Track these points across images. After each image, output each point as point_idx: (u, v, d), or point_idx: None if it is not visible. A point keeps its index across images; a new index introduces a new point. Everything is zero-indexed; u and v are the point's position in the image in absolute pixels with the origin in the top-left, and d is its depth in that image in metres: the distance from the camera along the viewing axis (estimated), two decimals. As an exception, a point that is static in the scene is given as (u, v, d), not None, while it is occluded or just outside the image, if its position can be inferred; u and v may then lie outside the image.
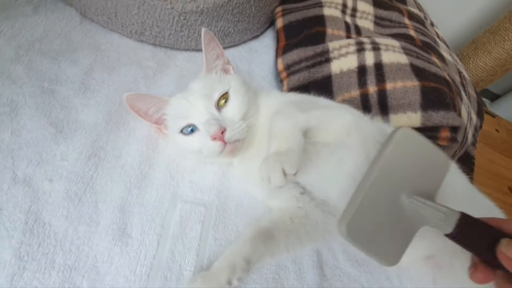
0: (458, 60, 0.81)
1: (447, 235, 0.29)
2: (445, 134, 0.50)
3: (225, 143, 0.39)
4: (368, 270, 0.50)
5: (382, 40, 0.59)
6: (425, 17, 0.91)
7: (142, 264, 0.37)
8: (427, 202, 0.31)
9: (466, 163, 0.77)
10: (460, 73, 0.74)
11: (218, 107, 0.42)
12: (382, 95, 0.53)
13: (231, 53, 0.71)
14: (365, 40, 0.59)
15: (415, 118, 0.50)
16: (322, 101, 0.47)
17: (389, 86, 0.53)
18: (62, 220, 0.36)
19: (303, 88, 0.61)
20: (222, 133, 0.39)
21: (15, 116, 0.41)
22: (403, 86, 0.52)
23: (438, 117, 0.48)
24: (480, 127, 0.79)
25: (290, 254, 0.44)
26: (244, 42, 0.75)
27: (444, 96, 0.49)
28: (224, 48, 0.70)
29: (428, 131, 0.51)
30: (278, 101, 0.45)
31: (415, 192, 0.32)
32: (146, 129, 0.48)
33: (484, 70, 0.96)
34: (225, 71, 0.48)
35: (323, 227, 0.47)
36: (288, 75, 0.63)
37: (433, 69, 0.56)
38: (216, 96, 0.42)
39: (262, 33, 0.81)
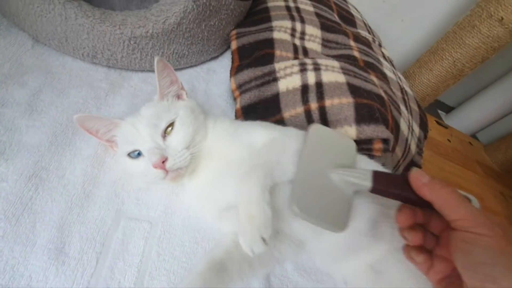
0: (401, 78, 0.88)
1: (370, 191, 0.35)
2: (378, 145, 0.54)
3: (167, 171, 0.41)
4: (316, 278, 0.52)
5: (323, 61, 0.64)
6: (373, 39, 1.00)
7: (78, 283, 0.37)
8: (346, 170, 0.38)
9: (413, 172, 0.82)
10: (402, 89, 0.81)
11: (165, 134, 0.44)
12: (322, 111, 0.58)
13: (189, 73, 0.74)
14: (307, 61, 0.64)
15: (351, 131, 0.55)
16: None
17: (327, 103, 0.57)
18: (-4, 241, 0.36)
19: (254, 105, 0.64)
20: (164, 162, 0.41)
21: (-47, 139, 0.41)
22: (339, 102, 0.56)
23: (369, 130, 0.53)
24: (425, 138, 0.86)
25: (243, 282, 0.45)
26: (203, 62, 0.79)
27: (374, 111, 0.54)
28: (182, 69, 0.74)
29: (364, 143, 0.55)
30: (224, 132, 0.48)
31: (337, 167, 0.39)
32: (93, 148, 0.49)
33: (428, 86, 1.05)
34: (179, 96, 0.51)
35: (277, 251, 0.49)
36: (240, 93, 0.67)
37: (369, 87, 0.62)
38: (163, 125, 0.44)
39: (221, 53, 0.85)
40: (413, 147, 0.78)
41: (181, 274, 0.43)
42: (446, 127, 1.40)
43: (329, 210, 0.38)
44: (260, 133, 0.46)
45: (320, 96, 0.58)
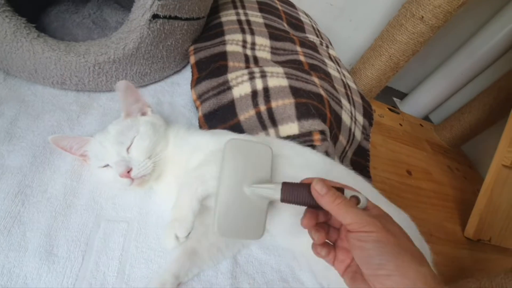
0: (346, 74, 1.00)
1: (282, 201, 0.39)
2: (317, 136, 0.64)
3: (132, 179, 0.49)
4: (277, 253, 0.62)
5: (269, 69, 0.74)
6: (320, 42, 1.11)
7: (68, 276, 0.44)
8: (259, 185, 0.42)
9: (362, 155, 0.94)
10: (345, 85, 0.93)
11: (129, 149, 0.51)
12: (270, 112, 0.67)
13: (154, 88, 0.82)
14: (255, 70, 0.74)
15: (294, 127, 0.65)
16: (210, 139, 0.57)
17: (273, 104, 0.67)
18: (-8, 250, 0.43)
19: (214, 112, 0.73)
20: (129, 172, 0.48)
21: None
22: (283, 103, 0.66)
23: (308, 124, 0.63)
24: (370, 125, 0.98)
25: (214, 263, 0.54)
26: (166, 77, 0.87)
27: (310, 109, 0.64)
28: (146, 85, 0.81)
29: (306, 135, 0.65)
30: (182, 141, 0.56)
31: (253, 182, 0.42)
32: (70, 164, 0.56)
33: (372, 79, 1.18)
34: (143, 113, 0.58)
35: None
36: (201, 103, 0.75)
37: (309, 87, 0.72)
38: (127, 142, 0.51)
39: (183, 67, 0.93)
40: (358, 134, 0.89)
41: (158, 262, 0.51)
42: (398, 113, 1.56)
43: (247, 224, 0.42)
44: (206, 141, 0.55)
45: (267, 99, 0.68)
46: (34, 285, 0.42)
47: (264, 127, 0.69)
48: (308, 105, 0.65)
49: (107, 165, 0.50)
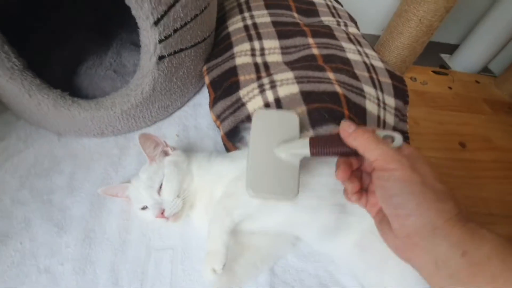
0: (370, 54, 0.92)
1: (311, 155, 0.40)
2: (336, 140, 0.62)
3: (167, 218, 0.56)
4: (314, 259, 0.64)
5: (279, 76, 0.73)
6: (338, 22, 1.04)
7: (132, 304, 0.54)
8: (287, 143, 0.44)
9: (400, 139, 0.87)
10: (369, 67, 0.86)
11: (159, 190, 0.58)
12: (285, 123, 0.67)
13: (178, 116, 0.88)
14: (265, 81, 0.74)
15: (310, 135, 0.64)
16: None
17: (287, 115, 0.67)
18: (74, 289, 0.54)
19: (234, 129, 0.76)
20: (163, 213, 0.55)
21: (30, 228, 0.60)
22: (295, 113, 0.65)
23: (322, 131, 0.62)
24: (405, 103, 0.89)
25: (251, 279, 0.58)
26: (188, 101, 0.92)
27: (323, 114, 0.62)
28: (171, 115, 0.88)
29: (325, 141, 0.64)
30: (205, 172, 0.61)
31: (281, 143, 0.45)
32: (119, 206, 0.65)
33: (403, 49, 1.04)
34: (165, 152, 0.64)
35: (273, 250, 0.61)
36: (221, 122, 0.79)
37: (322, 87, 0.69)
38: (156, 186, 0.57)
39: (203, 85, 0.97)
40: (390, 119, 0.83)
41: (203, 281, 0.58)
42: (446, 74, 1.36)
43: (279, 184, 0.43)
44: (226, 170, 0.59)
45: (280, 110, 0.68)
46: (109, 314, 0.53)
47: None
48: (321, 110, 0.63)
49: (146, 207, 0.58)
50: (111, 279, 0.56)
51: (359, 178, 0.39)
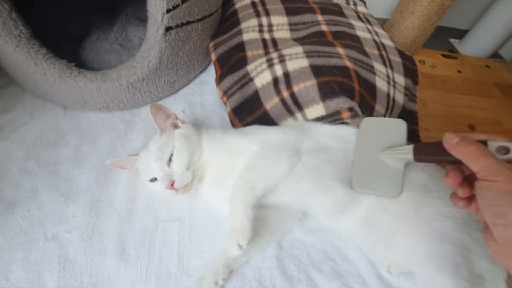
0: (380, 32, 0.90)
1: (415, 161, 0.44)
2: (346, 114, 0.61)
3: (177, 189, 0.55)
4: (321, 234, 0.64)
5: (288, 51, 0.72)
6: (347, 1, 1.01)
7: (140, 271, 0.54)
8: (392, 149, 0.48)
9: (409, 119, 0.86)
10: (379, 45, 0.84)
11: (170, 161, 0.57)
12: (293, 97, 0.66)
13: (184, 92, 0.87)
14: (273, 55, 0.72)
15: (320, 108, 0.63)
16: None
17: (295, 89, 0.66)
18: (82, 255, 0.54)
19: (241, 105, 0.75)
20: (172, 184, 0.54)
21: (37, 196, 0.60)
22: (304, 86, 0.64)
23: (333, 104, 0.61)
24: (415, 83, 0.88)
25: (260, 251, 0.58)
26: (194, 78, 0.91)
27: (334, 87, 0.61)
28: (177, 91, 0.87)
29: (334, 115, 0.63)
30: (217, 146, 0.60)
31: (389, 147, 0.48)
32: (126, 178, 0.65)
33: (414, 29, 1.02)
34: (175, 125, 0.63)
35: (281, 224, 0.61)
36: (227, 98, 0.78)
37: (333, 61, 0.68)
38: (166, 158, 0.56)
39: (209, 63, 0.96)
40: (400, 97, 0.82)
41: (210, 252, 0.58)
42: (455, 57, 1.33)
43: (383, 182, 0.48)
44: (243, 144, 0.58)
45: (288, 84, 0.67)
46: (116, 280, 0.53)
47: (291, 113, 0.68)
48: (331, 83, 0.62)
49: (154, 178, 0.58)
50: (118, 247, 0.56)
51: (470, 185, 0.39)
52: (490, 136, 0.36)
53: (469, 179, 0.39)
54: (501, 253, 0.33)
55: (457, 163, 0.37)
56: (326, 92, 0.62)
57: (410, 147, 0.44)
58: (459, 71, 1.22)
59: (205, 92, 0.88)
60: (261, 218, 0.60)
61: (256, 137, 0.58)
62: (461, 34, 1.54)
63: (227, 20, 0.92)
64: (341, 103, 0.60)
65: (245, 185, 0.52)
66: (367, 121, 0.54)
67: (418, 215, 0.52)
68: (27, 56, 0.60)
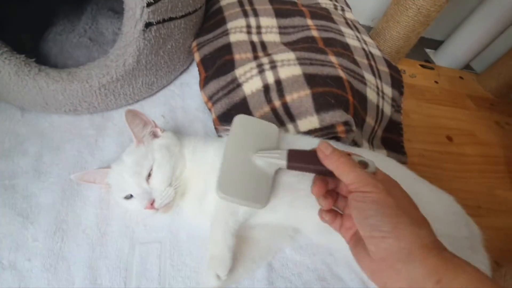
0: (368, 41, 0.89)
1: (287, 168, 0.40)
2: (341, 128, 0.59)
3: (156, 209, 0.49)
4: (312, 251, 0.61)
5: (279, 57, 0.68)
6: (335, 6, 0.99)
7: (114, 305, 0.47)
8: (265, 152, 0.43)
9: (394, 131, 0.86)
10: (367, 55, 0.83)
11: (148, 177, 0.51)
12: (286, 107, 0.62)
13: (164, 94, 0.80)
14: (264, 60, 0.68)
15: (314, 120, 0.60)
16: None
17: (288, 99, 0.62)
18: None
19: (227, 112, 0.70)
20: (152, 203, 0.48)
21: (-12, 217, 0.51)
22: (298, 97, 0.61)
23: (328, 117, 0.58)
24: (401, 94, 0.88)
25: (249, 275, 0.54)
26: (174, 79, 0.84)
27: (329, 99, 0.58)
28: (155, 93, 0.79)
29: (328, 128, 0.60)
30: (200, 159, 0.54)
31: (260, 150, 0.44)
32: (97, 193, 0.57)
33: (399, 39, 1.03)
34: (154, 134, 0.56)
35: (271, 243, 0.57)
36: (213, 104, 0.72)
37: (326, 70, 0.65)
38: (145, 173, 0.50)
39: (190, 63, 0.88)
40: (388, 109, 0.81)
41: (194, 277, 0.52)
42: (432, 68, 1.38)
43: (251, 190, 0.43)
44: (212, 153, 0.53)
45: (281, 93, 0.63)
46: (87, 316, 0.46)
47: (281, 123, 0.64)
48: (327, 95, 0.59)
49: (130, 195, 0.51)
50: (88, 277, 0.49)
51: (334, 198, 0.40)
52: (351, 152, 0.37)
53: (331, 193, 0.40)
54: (377, 270, 0.32)
55: (326, 175, 0.37)
56: (321, 104, 0.59)
57: (285, 152, 0.40)
58: (436, 82, 1.26)
59: (186, 95, 0.81)
60: (250, 238, 0.56)
61: None
62: (436, 44, 1.61)
63: (211, 18, 0.86)
64: (336, 116, 0.57)
65: (227, 209, 0.48)
66: (240, 118, 0.49)
67: None
68: (-26, 49, 0.50)
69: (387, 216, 0.30)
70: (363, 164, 0.35)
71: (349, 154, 0.36)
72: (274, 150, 0.43)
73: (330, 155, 0.35)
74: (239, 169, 0.44)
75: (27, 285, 0.47)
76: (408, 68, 1.15)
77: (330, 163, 0.35)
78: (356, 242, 0.36)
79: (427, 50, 1.58)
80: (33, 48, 0.66)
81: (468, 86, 1.34)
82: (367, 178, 0.32)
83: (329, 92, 0.60)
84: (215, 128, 0.72)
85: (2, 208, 0.52)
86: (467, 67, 1.55)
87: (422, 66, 1.36)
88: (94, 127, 0.67)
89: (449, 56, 1.48)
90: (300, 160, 0.40)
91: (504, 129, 1.15)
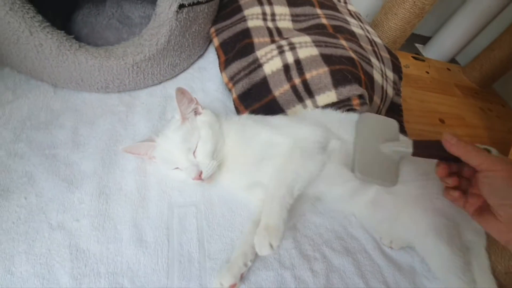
0: (370, 30, 0.97)
1: (412, 155, 0.48)
2: (356, 101, 0.65)
3: (203, 179, 0.54)
4: (329, 215, 0.67)
5: (296, 39, 0.74)
6: (338, -2, 1.06)
7: (160, 257, 0.51)
8: (393, 142, 0.53)
9: (395, 111, 0.94)
10: (371, 41, 0.90)
11: (194, 151, 0.55)
12: (305, 84, 0.68)
13: (184, 77, 0.84)
14: (283, 43, 0.73)
15: (332, 95, 0.66)
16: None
17: (308, 76, 0.68)
18: (95, 245, 0.50)
19: (248, 91, 0.75)
20: (200, 175, 0.53)
21: (34, 182, 0.54)
22: (317, 74, 0.67)
23: (346, 91, 0.64)
24: (400, 79, 0.96)
25: None
26: (193, 63, 0.88)
27: (346, 74, 0.65)
28: (176, 75, 0.83)
29: (344, 102, 0.66)
30: (237, 135, 0.59)
31: (385, 141, 0.53)
32: (134, 162, 0.61)
33: (396, 30, 1.12)
34: (196, 111, 0.60)
35: (299, 207, 0.62)
36: (233, 84, 0.77)
37: (339, 52, 0.71)
38: (193, 148, 0.54)
39: (206, 50, 0.93)
40: (390, 91, 0.89)
41: (228, 235, 0.57)
42: (423, 60, 1.49)
43: (382, 172, 0.53)
44: (276, 139, 0.57)
45: (301, 71, 0.69)
46: (136, 268, 0.50)
47: (300, 99, 0.70)
48: (343, 71, 0.65)
49: (177, 168, 0.55)
50: (135, 234, 0.53)
51: (457, 179, 0.46)
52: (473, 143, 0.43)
53: (453, 175, 0.46)
54: (504, 229, 0.39)
55: (451, 161, 0.44)
56: (338, 79, 0.65)
57: (410, 141, 0.48)
58: (427, 72, 1.37)
59: (205, 78, 0.86)
60: None
61: (288, 133, 0.58)
62: (425, 40, 1.73)
63: (227, 6, 0.91)
64: (353, 90, 0.64)
65: (284, 186, 0.52)
66: (365, 116, 0.59)
67: (421, 195, 0.59)
68: (21, 21, 0.53)
69: None
70: (487, 150, 0.41)
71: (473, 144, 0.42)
72: (400, 141, 0.52)
73: (457, 143, 0.41)
74: (371, 156, 0.53)
75: (77, 243, 0.50)
76: (402, 60, 1.25)
77: (458, 150, 0.41)
78: (480, 213, 0.43)
79: (417, 45, 1.69)
80: (60, 28, 0.69)
81: (455, 76, 1.46)
82: (494, 159, 0.39)
83: (345, 69, 0.66)
84: (235, 107, 0.77)
85: (45, 175, 0.55)
86: (453, 61, 1.68)
87: (414, 58, 1.46)
88: (124, 104, 0.71)
89: (436, 50, 1.60)
90: (424, 148, 0.47)
91: (487, 114, 1.28)
